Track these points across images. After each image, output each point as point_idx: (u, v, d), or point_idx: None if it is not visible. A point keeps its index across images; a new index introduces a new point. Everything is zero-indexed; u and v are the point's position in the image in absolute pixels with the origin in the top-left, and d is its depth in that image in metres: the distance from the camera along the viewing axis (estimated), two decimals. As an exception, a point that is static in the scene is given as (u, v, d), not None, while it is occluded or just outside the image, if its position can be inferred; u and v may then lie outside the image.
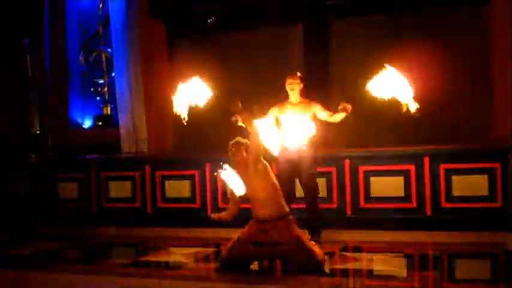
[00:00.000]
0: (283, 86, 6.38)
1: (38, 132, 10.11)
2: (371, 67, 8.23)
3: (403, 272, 5.27)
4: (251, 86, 8.79)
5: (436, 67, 8.15)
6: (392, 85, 5.09)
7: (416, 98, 5.21)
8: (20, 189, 8.81)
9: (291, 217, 4.99)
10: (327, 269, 4.96)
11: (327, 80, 8.70)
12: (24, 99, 10.09)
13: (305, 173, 6.14)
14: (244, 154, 5.07)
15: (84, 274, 5.30)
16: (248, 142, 5.08)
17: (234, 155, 5.11)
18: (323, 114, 6.14)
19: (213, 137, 8.53)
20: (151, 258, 6.03)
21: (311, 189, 6.18)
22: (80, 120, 10.05)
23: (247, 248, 4.96)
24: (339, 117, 6.01)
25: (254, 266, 5.18)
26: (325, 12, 8.80)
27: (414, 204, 6.77)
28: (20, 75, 10.03)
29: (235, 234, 5.42)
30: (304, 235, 5.20)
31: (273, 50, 9.04)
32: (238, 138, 5.17)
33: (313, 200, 6.18)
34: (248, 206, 6.83)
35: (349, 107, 5.89)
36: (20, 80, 10.05)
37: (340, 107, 5.93)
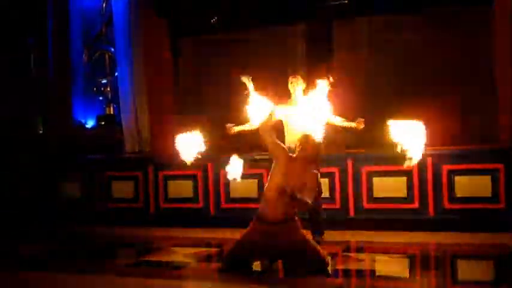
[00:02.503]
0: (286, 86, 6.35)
1: (40, 132, 10.12)
2: (373, 67, 8.28)
3: (406, 273, 5.26)
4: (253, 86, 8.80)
5: (439, 67, 8.16)
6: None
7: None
8: (22, 189, 8.83)
9: (297, 219, 4.97)
10: (329, 270, 4.95)
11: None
12: (27, 99, 10.11)
13: (308, 173, 6.09)
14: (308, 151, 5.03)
15: (86, 274, 5.30)
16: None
17: (301, 148, 5.04)
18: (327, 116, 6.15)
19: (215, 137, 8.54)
20: (154, 258, 6.03)
21: (314, 189, 6.14)
22: (82, 120, 10.05)
23: (250, 248, 4.94)
24: (346, 124, 6.05)
25: (256, 266, 5.17)
26: (328, 11, 8.81)
27: (417, 205, 6.77)
28: (23, 75, 10.05)
29: (237, 234, 5.44)
30: (308, 235, 5.19)
31: (275, 49, 9.05)
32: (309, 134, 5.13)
33: (316, 199, 6.15)
34: (248, 206, 6.94)
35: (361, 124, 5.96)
36: (23, 79, 10.07)
37: (356, 121, 5.97)
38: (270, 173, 5.03)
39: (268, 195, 4.92)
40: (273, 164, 5.05)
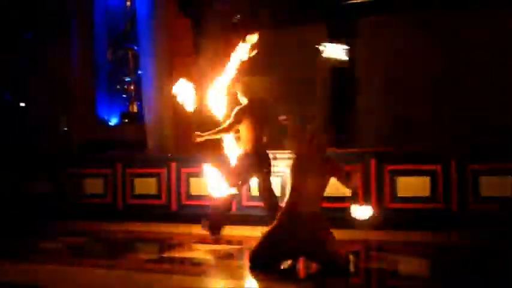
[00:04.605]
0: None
1: (65, 129, 10.25)
2: (397, 64, 8.20)
3: (428, 273, 5.20)
4: (276, 85, 8.81)
5: (466, 66, 8.07)
6: None
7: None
8: (45, 185, 8.92)
9: (322, 216, 4.94)
10: (351, 269, 4.91)
11: (353, 78, 8.67)
12: (53, 97, 10.24)
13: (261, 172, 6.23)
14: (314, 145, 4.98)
15: (107, 269, 5.33)
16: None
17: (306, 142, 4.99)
18: None
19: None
20: (175, 254, 6.05)
21: (267, 188, 6.29)
22: (106, 117, 10.13)
23: (277, 244, 4.90)
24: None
25: (279, 264, 5.14)
26: (349, 11, 8.78)
27: (441, 205, 6.71)
28: (48, 73, 10.18)
29: (257, 231, 5.42)
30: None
31: (298, 49, 9.02)
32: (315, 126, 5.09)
33: (270, 198, 6.26)
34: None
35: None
36: (49, 78, 10.20)
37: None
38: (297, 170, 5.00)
39: (296, 190, 4.90)
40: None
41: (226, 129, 6.18)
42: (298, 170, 4.93)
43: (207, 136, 6.20)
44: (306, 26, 9.09)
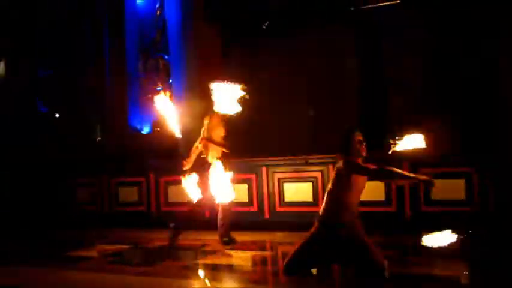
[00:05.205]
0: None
1: (99, 138, 10.40)
2: (426, 62, 8.08)
3: (465, 276, 5.12)
4: (304, 88, 8.84)
5: (495, 67, 7.94)
6: None
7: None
8: (81, 194, 9.08)
9: (359, 222, 4.93)
10: (387, 274, 4.88)
11: (383, 82, 8.62)
12: (86, 106, 10.41)
13: None
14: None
15: (143, 276, 5.40)
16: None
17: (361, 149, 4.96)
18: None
19: (267, 140, 8.58)
20: (210, 261, 6.08)
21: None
22: (138, 126, 10.25)
23: (314, 251, 4.91)
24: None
25: (314, 270, 5.13)
26: (376, 12, 8.74)
27: (477, 207, 6.63)
28: (81, 83, 10.36)
29: (292, 238, 5.42)
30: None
31: (325, 53, 9.01)
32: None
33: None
34: (301, 209, 7.00)
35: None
36: (82, 87, 10.39)
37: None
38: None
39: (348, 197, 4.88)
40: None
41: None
42: (342, 179, 4.89)
43: (192, 158, 6.56)
44: (333, 27, 9.07)
